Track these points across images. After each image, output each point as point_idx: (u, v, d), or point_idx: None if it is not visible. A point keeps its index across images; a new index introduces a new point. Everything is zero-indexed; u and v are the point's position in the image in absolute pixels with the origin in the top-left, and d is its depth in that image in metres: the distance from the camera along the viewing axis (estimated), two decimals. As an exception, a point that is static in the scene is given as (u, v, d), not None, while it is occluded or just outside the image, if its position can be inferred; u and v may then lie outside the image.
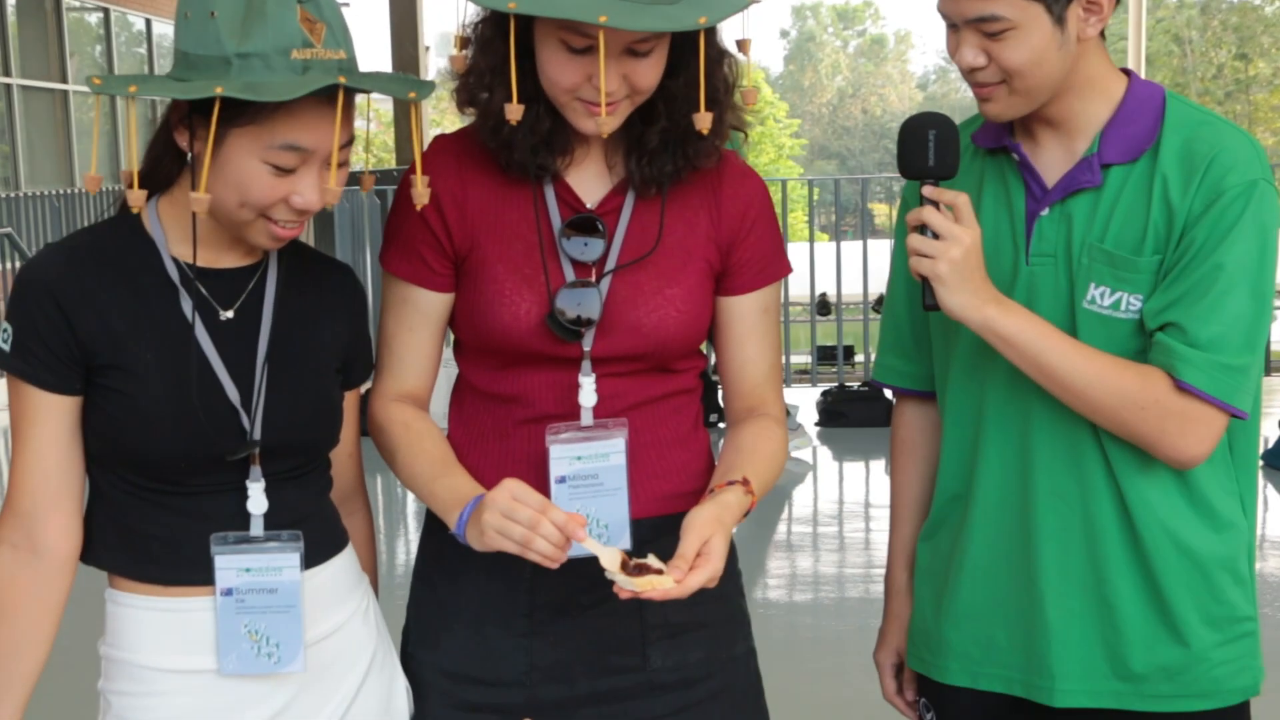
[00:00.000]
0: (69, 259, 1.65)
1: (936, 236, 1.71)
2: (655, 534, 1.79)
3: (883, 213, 29.40)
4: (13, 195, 11.12)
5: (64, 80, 14.40)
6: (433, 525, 1.91)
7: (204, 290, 1.68)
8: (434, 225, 1.81)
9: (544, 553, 1.60)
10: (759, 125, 35.42)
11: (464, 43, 1.79)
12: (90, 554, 1.72)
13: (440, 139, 1.87)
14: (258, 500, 1.67)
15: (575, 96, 1.71)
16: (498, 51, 1.72)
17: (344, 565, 1.79)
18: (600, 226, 1.80)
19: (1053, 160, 1.81)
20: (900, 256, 1.96)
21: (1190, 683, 1.81)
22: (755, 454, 1.82)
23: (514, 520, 1.60)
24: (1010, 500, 1.85)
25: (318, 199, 1.60)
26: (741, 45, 1.78)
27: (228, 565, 1.66)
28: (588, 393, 1.78)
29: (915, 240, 1.72)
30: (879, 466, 6.97)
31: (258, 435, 1.66)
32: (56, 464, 1.65)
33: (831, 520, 5.98)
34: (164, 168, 1.68)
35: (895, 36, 53.16)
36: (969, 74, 1.76)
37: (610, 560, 1.61)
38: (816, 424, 7.59)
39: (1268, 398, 6.90)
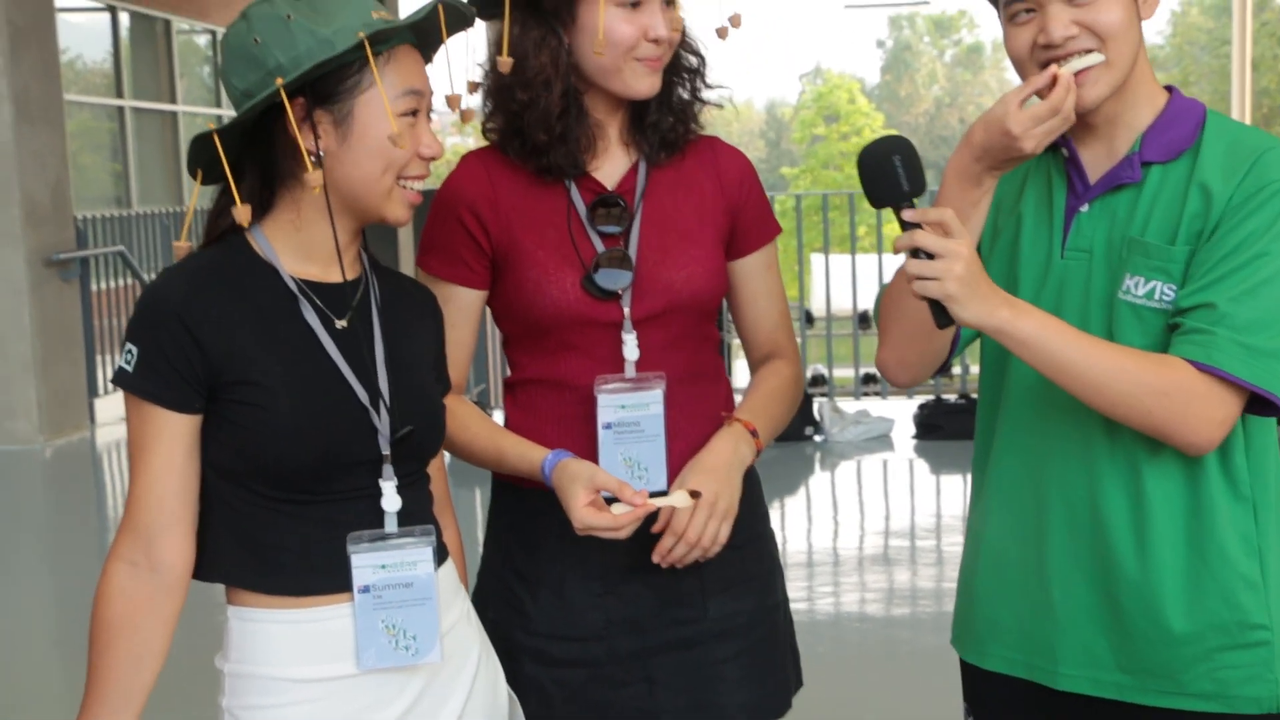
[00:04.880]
0: (192, 281, 1.71)
1: (931, 256, 1.68)
2: None
3: (981, 223, 28.95)
4: (124, 214, 11.41)
5: (174, 101, 14.76)
6: (502, 501, 2.09)
7: (319, 302, 1.75)
8: (472, 228, 2.02)
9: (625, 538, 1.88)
10: (854, 135, 35.22)
11: (473, 87, 2.01)
12: (212, 570, 1.75)
13: (469, 155, 2.09)
14: (391, 498, 1.74)
15: (632, 56, 1.94)
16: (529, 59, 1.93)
17: (449, 571, 1.87)
18: (621, 202, 2.01)
19: (1095, 159, 1.86)
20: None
21: (1191, 681, 1.78)
22: (755, 392, 2.09)
23: (598, 532, 1.86)
24: (1024, 484, 1.88)
25: (439, 145, 1.76)
26: (732, 20, 1.98)
27: (364, 563, 1.71)
28: (630, 347, 1.99)
29: (915, 265, 1.68)
30: (977, 480, 6.92)
31: (387, 431, 1.73)
32: (176, 483, 1.70)
33: (929, 534, 5.97)
34: (260, 195, 1.75)
35: (992, 45, 52.50)
36: (1064, 52, 1.77)
37: (682, 501, 1.90)
38: (913, 436, 7.58)
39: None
